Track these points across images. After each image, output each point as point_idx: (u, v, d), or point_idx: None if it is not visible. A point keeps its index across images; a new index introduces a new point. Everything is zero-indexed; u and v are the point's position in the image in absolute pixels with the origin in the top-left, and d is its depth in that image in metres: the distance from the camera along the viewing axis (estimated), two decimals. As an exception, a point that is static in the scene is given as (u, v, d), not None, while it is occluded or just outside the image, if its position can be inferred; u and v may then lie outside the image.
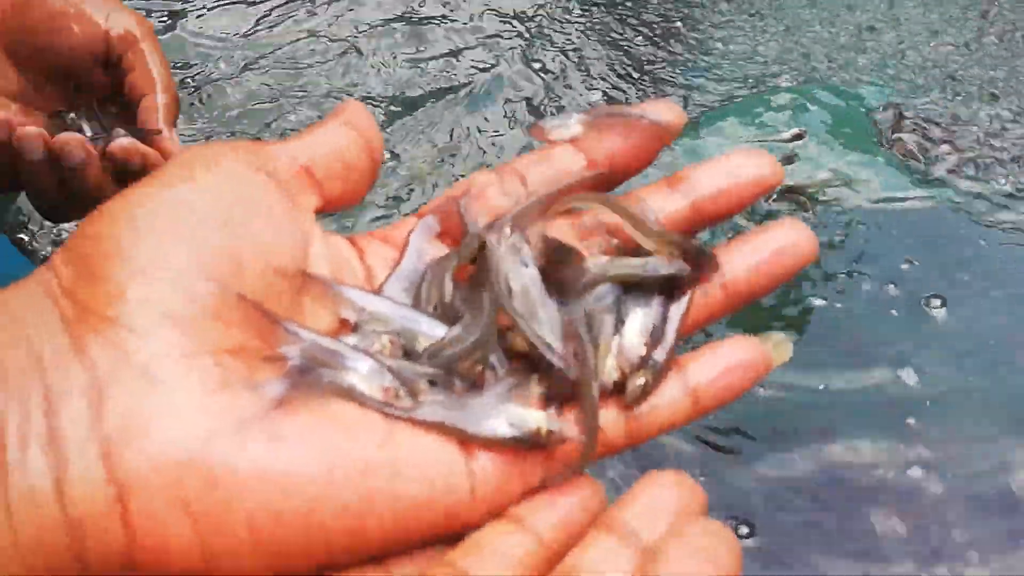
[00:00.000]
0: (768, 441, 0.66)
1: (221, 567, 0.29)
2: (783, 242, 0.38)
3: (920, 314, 0.73)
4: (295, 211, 0.36)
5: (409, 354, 0.35)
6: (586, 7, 1.00)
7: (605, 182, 0.40)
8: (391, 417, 0.32)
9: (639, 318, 0.36)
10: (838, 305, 0.72)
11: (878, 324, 0.73)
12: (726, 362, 0.36)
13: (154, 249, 0.32)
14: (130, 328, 0.30)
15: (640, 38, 0.96)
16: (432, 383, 0.34)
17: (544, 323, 0.35)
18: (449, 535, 0.32)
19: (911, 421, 0.66)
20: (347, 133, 0.38)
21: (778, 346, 0.38)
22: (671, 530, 0.30)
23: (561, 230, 0.39)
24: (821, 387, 0.68)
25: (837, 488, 0.63)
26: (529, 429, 0.32)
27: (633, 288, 0.37)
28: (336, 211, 0.39)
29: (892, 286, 0.74)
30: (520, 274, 0.36)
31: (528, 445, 0.33)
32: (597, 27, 0.98)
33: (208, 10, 1.09)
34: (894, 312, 0.73)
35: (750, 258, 0.38)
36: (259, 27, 1.06)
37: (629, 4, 0.99)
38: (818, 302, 0.72)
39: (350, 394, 0.33)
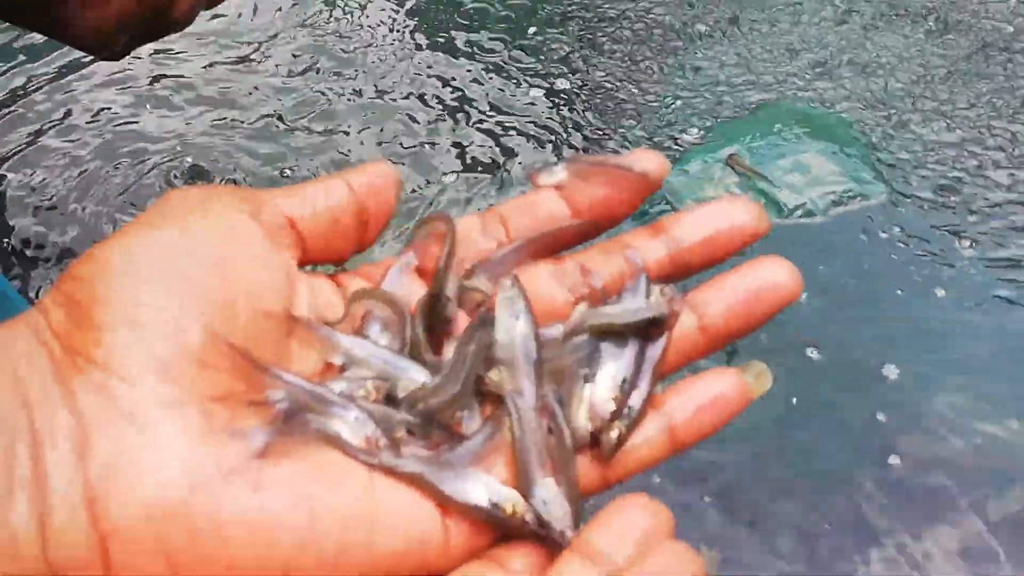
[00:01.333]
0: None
1: None
2: (763, 281, 0.38)
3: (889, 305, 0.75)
4: (279, 253, 0.37)
5: (392, 400, 0.36)
6: (558, 57, 1.01)
7: (589, 231, 0.41)
8: (372, 467, 0.33)
9: (610, 370, 0.37)
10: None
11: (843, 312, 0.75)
12: (703, 398, 0.36)
13: (144, 295, 0.32)
14: (118, 374, 0.31)
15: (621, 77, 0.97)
16: (410, 432, 0.35)
17: (523, 379, 0.36)
18: None
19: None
20: (343, 193, 0.38)
21: (759, 377, 0.38)
22: (638, 552, 0.31)
23: (542, 276, 0.40)
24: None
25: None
26: (503, 511, 0.33)
27: (609, 334, 0.38)
28: (317, 265, 0.39)
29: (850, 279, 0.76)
30: (510, 326, 0.37)
31: (497, 523, 0.33)
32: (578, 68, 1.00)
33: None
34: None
35: (729, 298, 0.38)
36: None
37: (604, 39, 1.01)
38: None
39: (333, 442, 0.33)
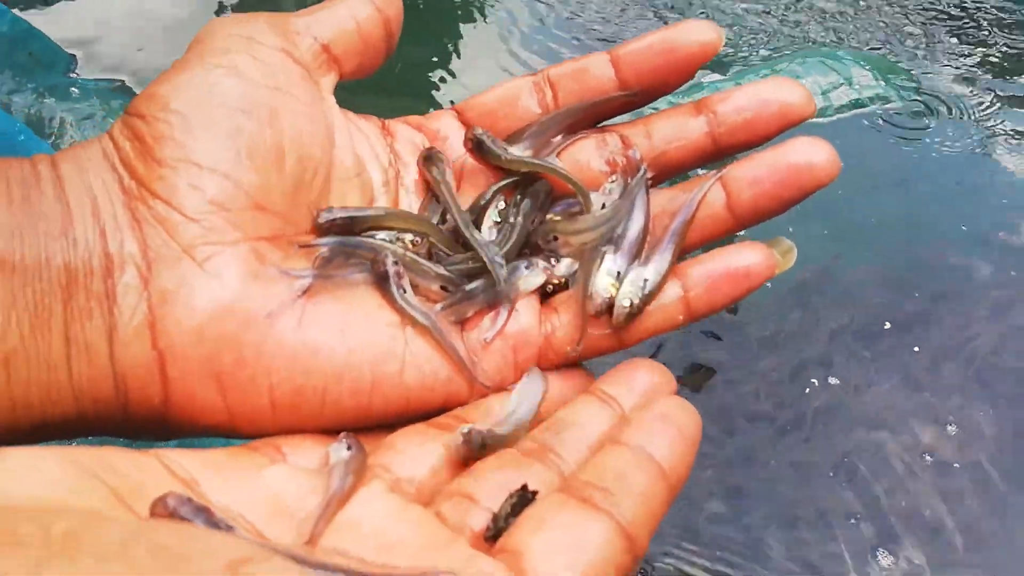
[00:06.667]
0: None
1: (244, 425, 0.34)
2: (798, 160, 0.38)
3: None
4: (320, 99, 0.38)
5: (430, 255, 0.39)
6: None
7: (635, 101, 0.42)
8: (405, 314, 0.36)
9: (623, 247, 0.39)
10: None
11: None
12: (724, 268, 0.38)
13: (204, 140, 0.34)
14: (179, 210, 0.34)
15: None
16: (444, 288, 0.37)
17: None
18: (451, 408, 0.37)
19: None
20: (366, 7, 0.40)
21: (785, 253, 0.39)
22: (643, 400, 0.35)
23: (585, 150, 0.42)
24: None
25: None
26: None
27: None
28: (347, 80, 0.41)
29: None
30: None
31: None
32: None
33: None
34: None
35: (760, 176, 0.39)
36: None
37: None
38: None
39: (372, 286, 0.37)
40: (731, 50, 0.87)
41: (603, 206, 0.40)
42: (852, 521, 0.58)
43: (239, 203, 0.34)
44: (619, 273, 0.38)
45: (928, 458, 0.61)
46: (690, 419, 0.33)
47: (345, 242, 0.37)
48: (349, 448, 0.32)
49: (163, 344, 0.33)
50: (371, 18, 0.40)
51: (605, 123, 0.43)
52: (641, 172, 0.40)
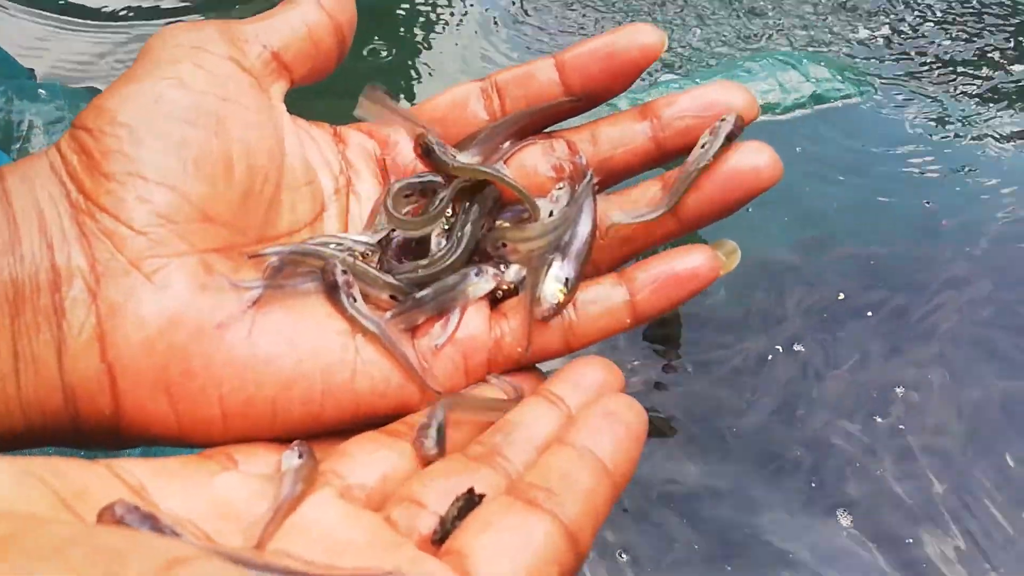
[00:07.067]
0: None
1: (194, 435, 0.35)
2: (740, 166, 0.39)
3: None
4: (270, 107, 0.39)
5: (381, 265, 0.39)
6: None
7: (580, 107, 0.43)
8: (356, 323, 0.37)
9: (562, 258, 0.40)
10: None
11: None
12: (670, 271, 0.39)
13: (150, 152, 0.35)
14: (127, 223, 0.34)
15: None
16: (394, 297, 0.38)
17: None
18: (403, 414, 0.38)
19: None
20: (317, 13, 0.40)
21: (729, 255, 0.40)
22: (590, 398, 0.36)
23: (533, 155, 0.42)
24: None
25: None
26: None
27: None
28: (298, 86, 0.41)
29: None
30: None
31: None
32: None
33: None
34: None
35: (701, 182, 0.40)
36: None
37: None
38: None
39: (322, 296, 0.37)
40: (694, 51, 0.88)
41: (551, 213, 0.41)
42: (812, 485, 0.59)
43: (186, 215, 0.35)
44: (567, 279, 0.39)
45: (891, 432, 0.62)
46: (635, 416, 0.34)
47: (294, 251, 0.37)
48: (300, 455, 0.33)
49: (112, 356, 0.33)
50: (322, 24, 0.40)
51: (554, 127, 0.44)
52: (588, 178, 0.41)
